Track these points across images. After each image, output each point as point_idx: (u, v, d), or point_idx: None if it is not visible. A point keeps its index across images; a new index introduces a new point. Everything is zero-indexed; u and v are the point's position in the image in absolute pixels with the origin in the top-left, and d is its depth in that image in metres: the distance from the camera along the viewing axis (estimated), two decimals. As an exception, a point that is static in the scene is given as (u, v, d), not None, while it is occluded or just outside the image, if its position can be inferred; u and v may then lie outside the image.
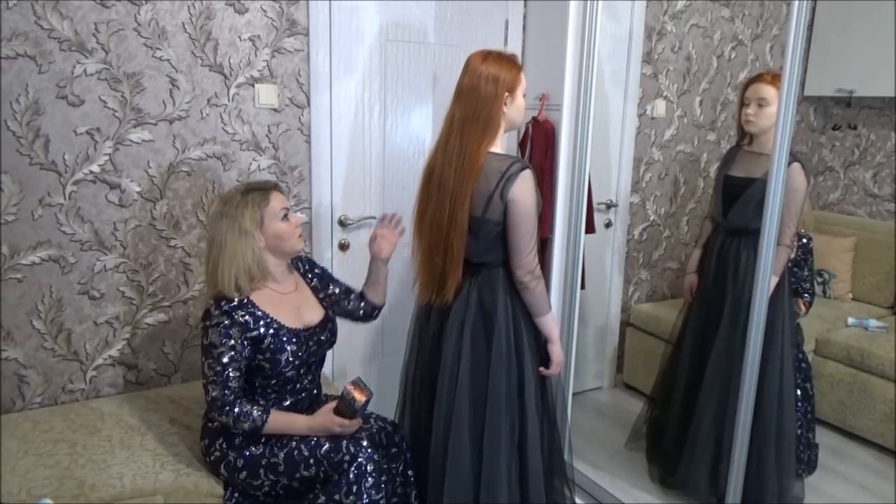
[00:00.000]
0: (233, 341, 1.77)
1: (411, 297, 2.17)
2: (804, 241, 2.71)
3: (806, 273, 2.71)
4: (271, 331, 1.82)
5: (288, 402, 1.90)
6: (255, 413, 1.77)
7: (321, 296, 2.08)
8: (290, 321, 1.88)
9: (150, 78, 2.21)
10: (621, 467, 2.77)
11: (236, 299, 1.80)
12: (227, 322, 1.77)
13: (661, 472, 2.69)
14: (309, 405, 1.96)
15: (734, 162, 2.49)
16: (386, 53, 2.64)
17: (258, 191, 1.86)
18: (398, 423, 2.19)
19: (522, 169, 1.86)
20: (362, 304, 2.15)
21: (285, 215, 1.87)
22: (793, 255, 2.66)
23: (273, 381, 1.86)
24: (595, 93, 2.44)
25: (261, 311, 1.83)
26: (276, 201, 1.87)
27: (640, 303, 3.54)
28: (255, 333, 1.80)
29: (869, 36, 3.34)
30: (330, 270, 2.59)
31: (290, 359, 1.84)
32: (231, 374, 1.77)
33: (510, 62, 1.90)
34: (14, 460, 1.85)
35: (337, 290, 2.12)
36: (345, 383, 1.82)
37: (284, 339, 1.84)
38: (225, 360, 1.76)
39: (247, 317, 1.80)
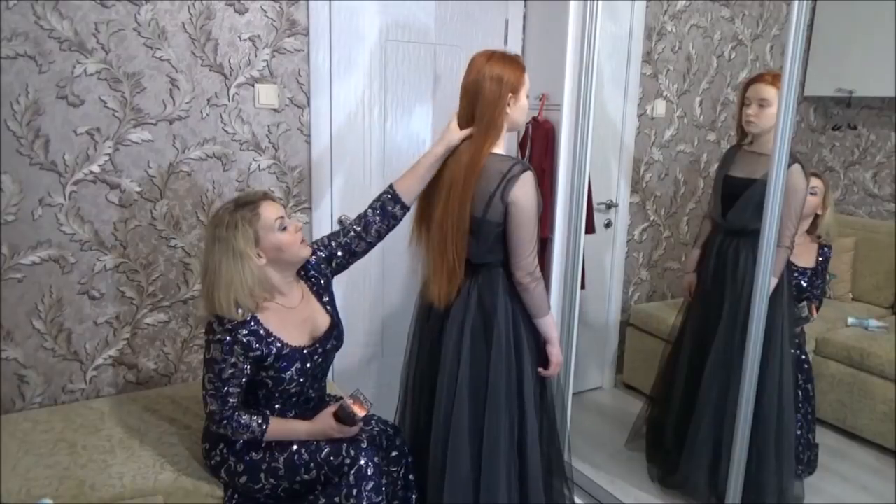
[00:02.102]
0: (234, 358, 1.73)
1: (411, 298, 2.17)
2: (825, 249, 2.71)
3: (820, 281, 2.72)
4: (275, 350, 1.77)
5: (293, 413, 1.87)
6: (255, 424, 1.75)
7: (333, 269, 1.98)
8: (297, 338, 1.83)
9: (150, 78, 2.21)
10: (621, 467, 2.77)
11: (239, 317, 1.73)
12: (228, 339, 1.72)
13: (660, 471, 2.69)
14: (313, 412, 1.91)
15: (734, 162, 2.49)
16: (386, 53, 2.64)
17: (247, 205, 1.74)
18: (398, 423, 2.19)
19: (524, 171, 1.85)
20: (386, 213, 1.96)
21: (281, 224, 1.77)
22: (813, 265, 2.67)
23: (277, 395, 1.83)
24: (595, 93, 2.44)
25: (264, 329, 1.76)
26: (269, 212, 1.76)
27: (640, 303, 3.54)
28: (257, 353, 1.74)
29: (869, 36, 3.33)
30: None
31: (295, 376, 1.81)
32: (231, 390, 1.74)
33: (514, 63, 1.90)
34: (14, 460, 1.85)
35: (342, 244, 1.97)
36: (344, 397, 1.80)
37: (289, 358, 1.79)
38: (225, 376, 1.73)
39: (250, 336, 1.74)
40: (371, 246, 2.01)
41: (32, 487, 1.74)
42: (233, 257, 1.70)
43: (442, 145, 1.93)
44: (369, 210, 1.98)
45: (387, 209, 1.97)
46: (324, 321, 1.93)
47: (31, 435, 1.98)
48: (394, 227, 2.00)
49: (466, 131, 1.91)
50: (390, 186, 1.98)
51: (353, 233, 1.97)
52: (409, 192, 1.97)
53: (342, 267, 2.02)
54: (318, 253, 1.96)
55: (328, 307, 1.97)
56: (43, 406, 2.22)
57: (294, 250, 1.80)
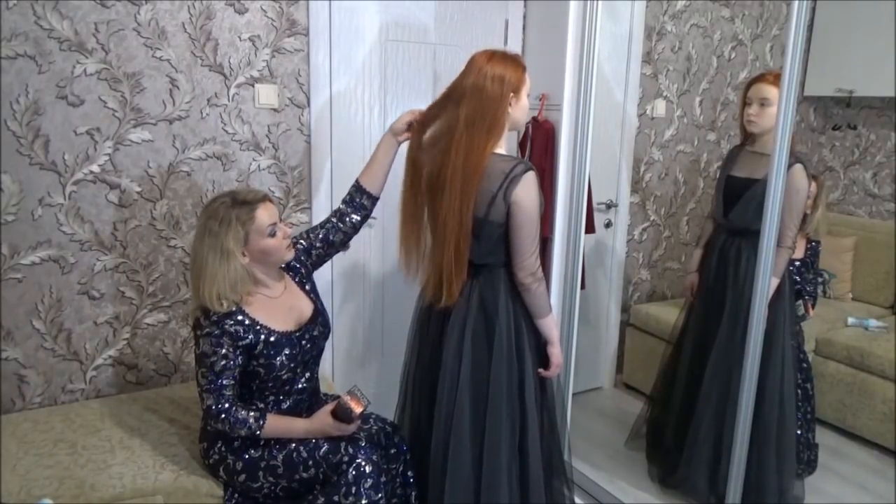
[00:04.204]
0: (224, 350, 1.75)
1: (411, 298, 2.17)
2: (813, 243, 2.72)
3: (811, 276, 2.72)
4: (262, 337, 1.79)
5: (287, 404, 1.89)
6: (251, 420, 1.76)
7: (313, 260, 2.04)
8: (283, 325, 1.86)
9: (150, 78, 2.21)
10: (621, 467, 2.77)
11: (224, 309, 1.75)
12: (217, 332, 1.75)
13: (660, 471, 2.69)
14: (309, 406, 1.95)
15: (736, 162, 2.49)
16: (386, 53, 2.64)
17: (245, 206, 1.76)
18: (398, 423, 2.18)
19: (526, 171, 1.85)
20: (355, 205, 2.05)
21: (272, 231, 1.79)
22: (801, 256, 2.67)
23: (270, 384, 1.85)
24: (595, 93, 2.44)
25: (251, 318, 1.79)
26: (264, 216, 1.78)
27: (640, 303, 3.54)
28: (246, 342, 1.77)
29: (869, 36, 3.33)
30: (329, 269, 2.58)
31: (286, 362, 1.83)
32: (225, 383, 1.75)
33: (515, 62, 1.89)
34: (14, 460, 1.85)
35: (320, 236, 2.04)
36: (342, 393, 1.81)
37: (278, 344, 1.81)
38: (217, 368, 1.74)
39: (237, 326, 1.76)
40: (347, 236, 2.08)
41: (32, 487, 1.74)
42: (220, 254, 1.74)
43: (388, 133, 2.05)
44: (342, 203, 2.09)
45: (355, 200, 2.07)
46: (308, 308, 1.97)
47: (30, 435, 1.98)
48: (366, 217, 2.09)
49: (406, 116, 2.01)
50: (356, 179, 2.09)
51: (329, 224, 2.06)
52: (372, 182, 2.07)
53: (321, 258, 2.08)
54: (298, 245, 2.01)
55: (311, 295, 2.01)
56: (43, 406, 2.22)
57: (279, 255, 1.85)
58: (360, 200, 2.06)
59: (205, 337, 1.76)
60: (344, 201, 2.08)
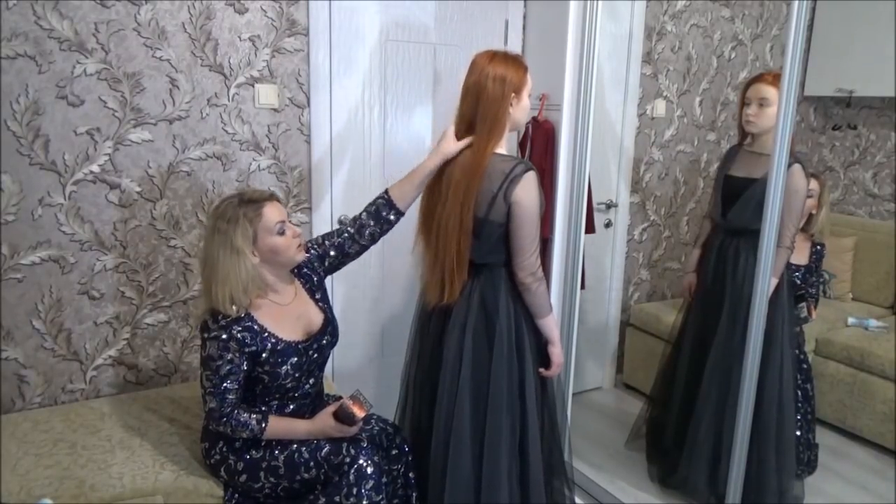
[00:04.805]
0: (230, 355, 1.74)
1: (412, 298, 2.17)
2: (818, 247, 2.73)
3: (814, 279, 2.72)
4: (269, 345, 1.79)
5: (291, 408, 1.89)
6: (254, 422, 1.76)
7: (325, 267, 2.00)
8: (291, 334, 1.85)
9: (150, 78, 2.21)
10: (621, 467, 2.77)
11: (233, 314, 1.75)
12: (224, 336, 1.74)
13: (660, 471, 2.69)
14: (312, 409, 1.94)
15: (734, 162, 2.49)
16: (386, 53, 2.64)
17: (252, 204, 1.77)
18: (398, 423, 2.18)
19: (526, 170, 1.85)
20: (380, 218, 1.98)
21: (281, 229, 1.79)
22: (806, 261, 2.68)
23: (273, 391, 1.84)
24: (595, 93, 2.44)
25: (259, 325, 1.79)
26: (272, 214, 1.78)
27: (640, 303, 3.54)
28: (252, 349, 1.76)
29: (869, 36, 3.34)
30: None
31: (290, 371, 1.82)
32: (228, 387, 1.75)
33: (516, 62, 1.90)
34: (14, 460, 1.85)
35: (336, 244, 1.99)
36: (345, 397, 1.80)
37: (284, 353, 1.81)
38: (222, 372, 1.74)
39: (245, 333, 1.76)
40: (364, 248, 2.03)
41: (32, 487, 1.74)
42: (230, 252, 1.73)
43: (438, 157, 1.94)
44: (364, 213, 2.01)
45: (381, 214, 1.99)
46: (317, 317, 1.95)
47: (31, 435, 1.98)
48: (387, 230, 2.02)
49: (464, 142, 1.91)
50: (385, 192, 2.01)
51: (346, 234, 2.00)
52: (404, 199, 1.99)
53: (335, 267, 2.05)
54: (312, 251, 1.99)
55: (321, 304, 1.99)
56: (43, 406, 2.22)
57: (289, 254, 1.82)
58: (387, 215, 1.99)
59: (212, 340, 1.75)
60: (367, 212, 2.00)
